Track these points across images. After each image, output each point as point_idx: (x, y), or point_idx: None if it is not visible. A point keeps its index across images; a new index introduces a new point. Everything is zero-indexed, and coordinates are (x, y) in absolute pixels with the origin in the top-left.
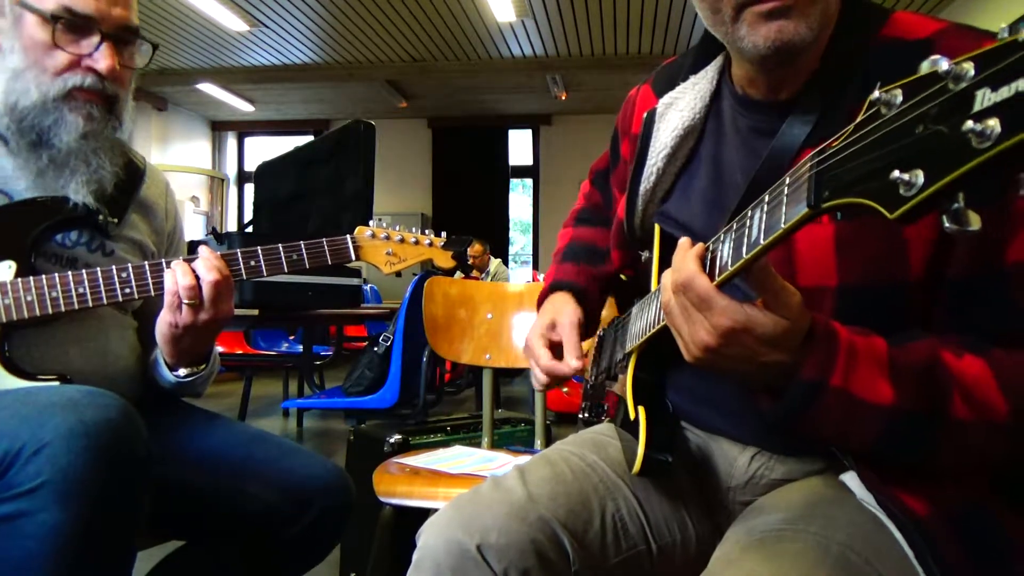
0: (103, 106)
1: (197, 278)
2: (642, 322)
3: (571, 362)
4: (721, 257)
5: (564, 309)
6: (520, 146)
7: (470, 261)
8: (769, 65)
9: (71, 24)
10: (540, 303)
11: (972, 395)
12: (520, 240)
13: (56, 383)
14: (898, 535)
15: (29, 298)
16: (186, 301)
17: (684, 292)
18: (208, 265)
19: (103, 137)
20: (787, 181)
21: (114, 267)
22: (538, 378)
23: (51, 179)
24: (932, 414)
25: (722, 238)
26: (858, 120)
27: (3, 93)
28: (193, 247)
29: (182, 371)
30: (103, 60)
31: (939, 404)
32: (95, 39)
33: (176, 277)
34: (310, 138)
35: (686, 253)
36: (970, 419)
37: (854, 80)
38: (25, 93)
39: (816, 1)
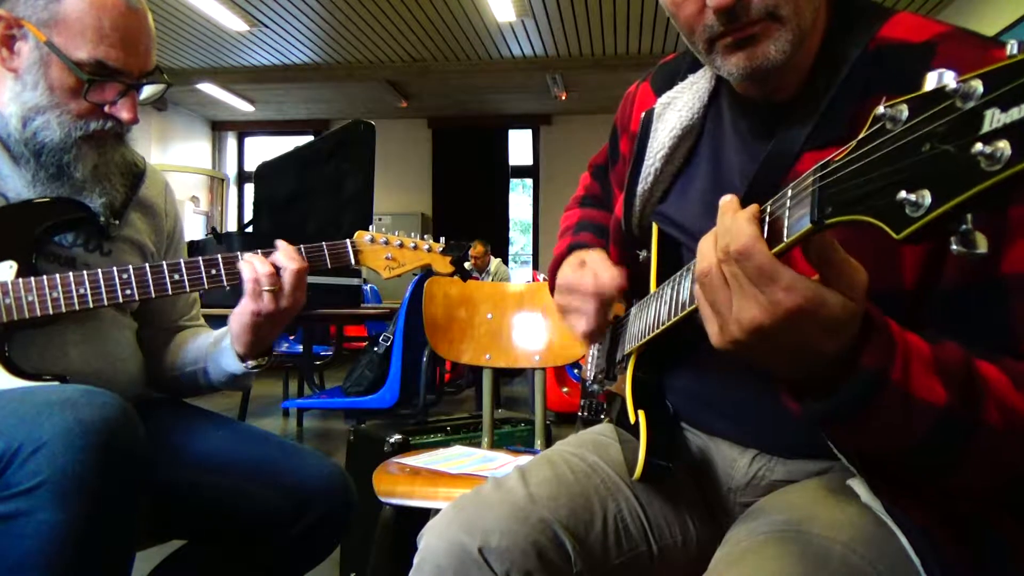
0: (115, 141)
1: (275, 267)
2: (642, 322)
3: (613, 272)
4: (782, 222)
5: (591, 252)
6: (520, 146)
7: (472, 262)
8: (750, 83)
9: (100, 77)
10: (554, 269)
11: (1002, 401)
12: (520, 240)
13: (55, 384)
14: (902, 538)
15: (30, 298)
16: (266, 288)
17: (739, 261)
18: (289, 255)
19: (113, 163)
20: (789, 194)
21: (115, 268)
22: (586, 311)
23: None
24: (972, 419)
25: (778, 202)
26: (862, 136)
27: (19, 119)
28: (193, 247)
29: (251, 362)
30: (126, 112)
31: (978, 409)
32: (119, 87)
33: (255, 266)
34: (310, 138)
35: (736, 214)
36: (1001, 426)
37: (853, 81)
38: (46, 129)
39: (784, 21)
